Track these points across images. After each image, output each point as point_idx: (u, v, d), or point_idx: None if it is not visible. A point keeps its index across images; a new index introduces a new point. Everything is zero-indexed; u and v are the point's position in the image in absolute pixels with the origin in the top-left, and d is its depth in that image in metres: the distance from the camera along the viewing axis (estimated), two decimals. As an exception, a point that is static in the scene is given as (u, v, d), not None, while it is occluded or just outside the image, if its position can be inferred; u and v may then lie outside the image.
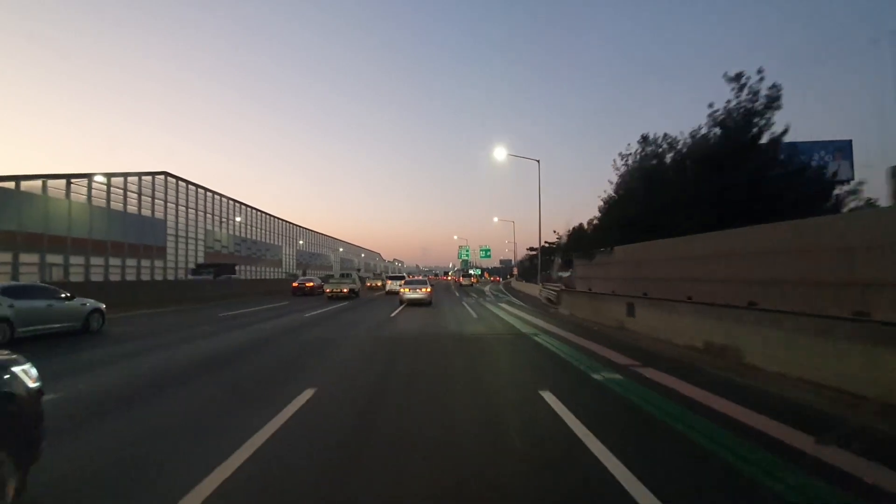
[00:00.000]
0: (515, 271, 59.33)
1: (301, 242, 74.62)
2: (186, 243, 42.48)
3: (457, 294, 31.05)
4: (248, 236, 57.35)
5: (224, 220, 49.89)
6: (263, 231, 62.35)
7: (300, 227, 75.96)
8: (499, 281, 71.98)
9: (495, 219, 55.25)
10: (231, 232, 51.83)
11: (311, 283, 27.45)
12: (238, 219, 51.11)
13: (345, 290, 23.17)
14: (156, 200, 38.22)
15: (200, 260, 44.26)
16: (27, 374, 2.51)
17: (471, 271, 77.12)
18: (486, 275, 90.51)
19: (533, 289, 29.60)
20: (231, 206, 52.03)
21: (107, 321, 11.09)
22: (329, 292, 23.53)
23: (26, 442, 2.36)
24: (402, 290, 19.28)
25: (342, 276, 26.67)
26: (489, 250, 76.39)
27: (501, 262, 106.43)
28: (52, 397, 4.55)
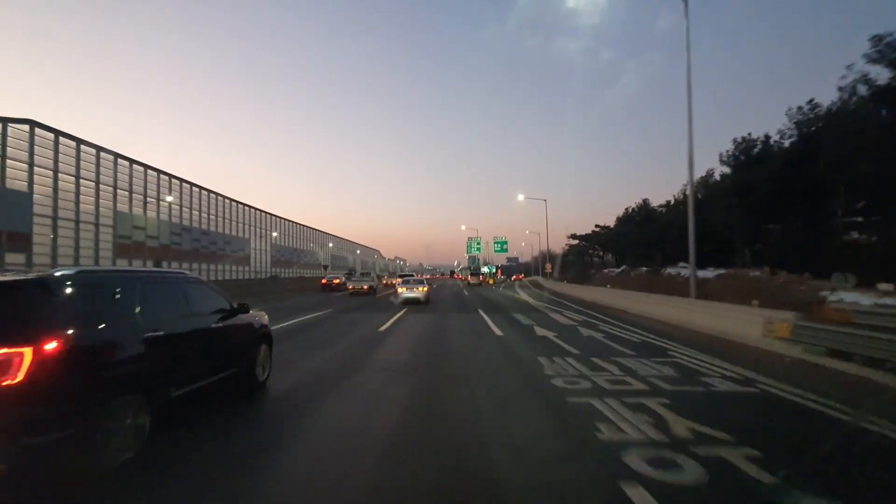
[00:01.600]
0: (549, 268, 45.85)
1: (275, 234, 61.26)
2: (77, 230, 29.13)
3: (493, 328, 12.26)
4: (199, 225, 44.03)
5: (151, 200, 36.58)
6: (223, 220, 49.02)
7: (276, 216, 62.61)
8: (523, 279, 58.77)
9: (520, 196, 41.63)
10: (167, 218, 38.51)
11: (338, 280, 33.71)
12: (170, 198, 37.60)
13: (365, 287, 27.53)
14: (11, 161, 24.88)
15: (105, 253, 31.01)
16: (265, 317, 6.14)
17: (483, 269, 63.86)
18: (499, 272, 76.92)
19: (700, 314, 12.60)
20: (166, 182, 38.71)
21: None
22: (351, 288, 27.96)
23: (271, 344, 6.02)
24: (399, 289, 21.54)
25: (363, 274, 32.38)
26: (506, 242, 63.12)
27: (508, 259, 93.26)
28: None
